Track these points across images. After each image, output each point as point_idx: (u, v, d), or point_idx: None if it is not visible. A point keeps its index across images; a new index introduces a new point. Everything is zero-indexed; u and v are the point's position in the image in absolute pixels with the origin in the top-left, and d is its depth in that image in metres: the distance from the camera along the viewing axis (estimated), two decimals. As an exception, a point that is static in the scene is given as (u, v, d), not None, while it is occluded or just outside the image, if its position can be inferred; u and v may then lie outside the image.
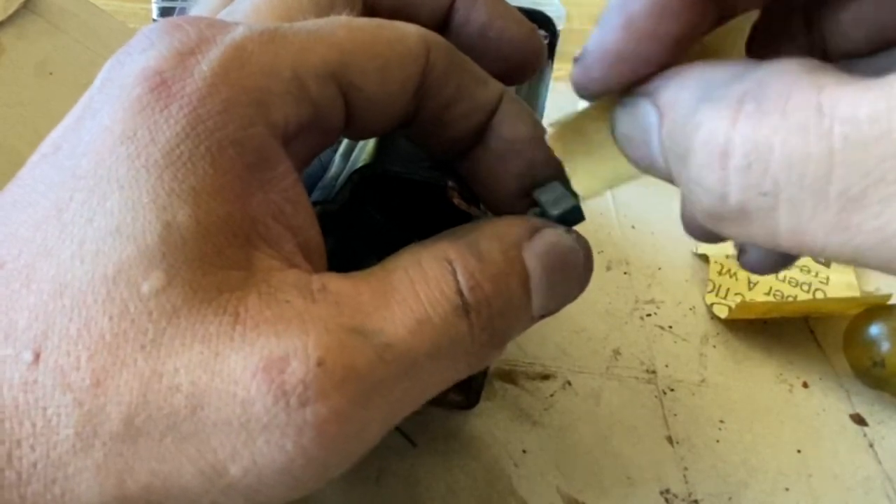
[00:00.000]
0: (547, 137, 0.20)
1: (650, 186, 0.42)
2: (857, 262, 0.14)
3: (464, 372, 0.19)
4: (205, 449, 0.15)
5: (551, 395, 0.37)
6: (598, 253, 0.46)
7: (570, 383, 0.37)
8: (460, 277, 0.18)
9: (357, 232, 0.37)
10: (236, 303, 0.15)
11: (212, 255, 0.15)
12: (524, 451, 0.34)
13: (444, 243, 0.19)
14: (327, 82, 0.18)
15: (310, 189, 0.34)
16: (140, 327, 0.15)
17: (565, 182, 0.21)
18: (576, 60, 0.18)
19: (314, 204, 0.30)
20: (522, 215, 0.21)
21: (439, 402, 0.34)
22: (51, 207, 0.15)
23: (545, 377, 0.38)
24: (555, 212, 0.21)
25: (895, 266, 0.13)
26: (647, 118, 0.17)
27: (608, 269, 0.45)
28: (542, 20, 0.34)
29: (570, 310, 0.41)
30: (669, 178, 0.17)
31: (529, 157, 0.21)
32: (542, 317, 0.21)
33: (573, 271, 0.20)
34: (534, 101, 0.33)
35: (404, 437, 0.31)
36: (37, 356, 0.14)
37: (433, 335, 0.17)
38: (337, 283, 0.17)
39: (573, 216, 0.21)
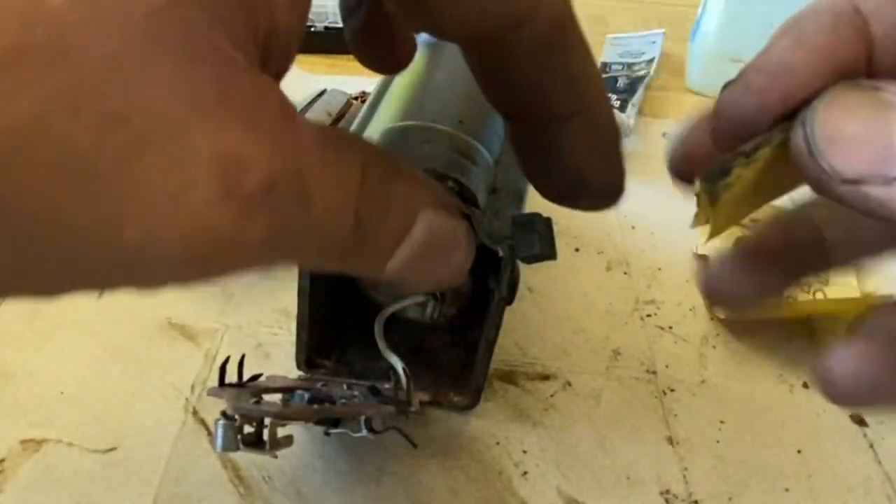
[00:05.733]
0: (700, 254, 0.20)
1: (650, 187, 0.42)
2: None
3: (323, 253, 0.17)
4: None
5: (551, 396, 0.37)
6: (599, 253, 0.46)
7: (570, 383, 0.38)
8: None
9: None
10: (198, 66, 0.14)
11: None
12: (524, 451, 0.34)
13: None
14: None
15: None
16: None
17: (544, 220, 0.22)
18: (727, 86, 0.18)
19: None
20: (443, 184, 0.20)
21: (439, 402, 0.34)
22: None
23: (545, 377, 0.38)
24: (521, 254, 0.23)
25: None
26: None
27: (608, 269, 0.45)
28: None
29: (570, 310, 0.42)
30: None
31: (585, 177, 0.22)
32: (390, 284, 0.20)
33: (444, 254, 0.20)
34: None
35: (405, 438, 0.31)
36: None
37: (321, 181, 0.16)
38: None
39: (537, 260, 0.23)
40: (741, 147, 0.18)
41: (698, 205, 0.20)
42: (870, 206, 0.16)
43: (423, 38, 0.39)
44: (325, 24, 0.66)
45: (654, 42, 0.66)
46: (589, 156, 0.22)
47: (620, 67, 0.62)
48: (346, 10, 0.24)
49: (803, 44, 0.17)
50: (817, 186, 0.17)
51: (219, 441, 0.27)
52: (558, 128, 0.21)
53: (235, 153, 0.13)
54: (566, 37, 0.19)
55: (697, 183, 0.19)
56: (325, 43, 0.63)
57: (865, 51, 0.18)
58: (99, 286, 0.14)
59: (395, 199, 0.18)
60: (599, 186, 0.22)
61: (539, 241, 0.23)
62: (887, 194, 0.16)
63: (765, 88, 0.18)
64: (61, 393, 0.35)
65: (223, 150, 0.13)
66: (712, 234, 0.21)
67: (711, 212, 0.20)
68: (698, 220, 0.20)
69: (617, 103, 0.55)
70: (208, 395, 0.30)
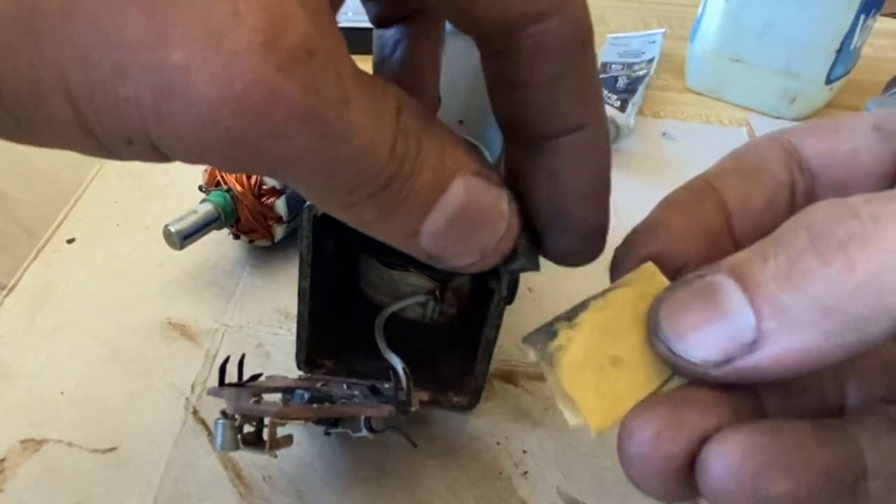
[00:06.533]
0: (546, 365, 0.20)
1: (650, 186, 0.42)
2: None
3: (349, 195, 0.18)
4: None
5: (551, 395, 0.37)
6: (598, 253, 0.46)
7: (570, 383, 0.37)
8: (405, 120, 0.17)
9: (357, 232, 0.37)
10: None
11: None
12: (524, 451, 0.34)
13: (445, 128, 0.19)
14: None
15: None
16: None
17: (525, 234, 0.22)
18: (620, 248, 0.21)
19: (314, 205, 0.30)
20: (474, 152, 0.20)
21: (439, 402, 0.34)
22: None
23: (545, 377, 0.38)
24: (509, 267, 0.22)
25: None
26: (732, 301, 0.17)
27: (608, 269, 0.45)
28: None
29: (570, 310, 0.42)
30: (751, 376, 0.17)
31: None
32: (430, 255, 0.19)
33: (481, 227, 0.20)
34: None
35: (405, 438, 0.31)
36: None
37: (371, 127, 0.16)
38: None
39: (520, 272, 0.23)
40: (564, 311, 0.20)
41: (547, 377, 0.20)
42: (750, 377, 0.17)
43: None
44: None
45: (654, 42, 0.66)
46: (581, 178, 0.21)
47: (620, 67, 0.62)
48: (380, 59, 0.24)
49: (675, 209, 0.21)
50: (698, 380, 0.18)
51: (218, 440, 0.27)
52: (557, 144, 0.21)
53: (281, 7, 0.14)
54: (585, 44, 0.19)
55: (530, 351, 0.19)
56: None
57: (725, 217, 0.21)
58: (136, 115, 0.14)
59: (431, 147, 0.18)
60: (585, 220, 0.22)
61: (523, 254, 0.23)
62: (758, 360, 0.16)
63: (648, 241, 0.21)
64: (61, 393, 0.35)
65: (270, 1, 0.14)
66: (599, 425, 0.20)
67: (579, 391, 0.20)
68: (567, 407, 0.19)
69: (617, 103, 0.55)
70: (208, 394, 0.30)
